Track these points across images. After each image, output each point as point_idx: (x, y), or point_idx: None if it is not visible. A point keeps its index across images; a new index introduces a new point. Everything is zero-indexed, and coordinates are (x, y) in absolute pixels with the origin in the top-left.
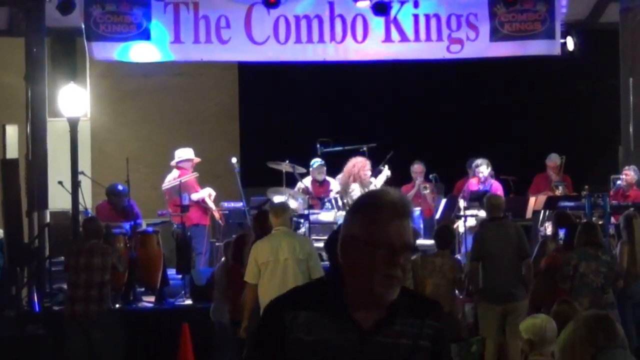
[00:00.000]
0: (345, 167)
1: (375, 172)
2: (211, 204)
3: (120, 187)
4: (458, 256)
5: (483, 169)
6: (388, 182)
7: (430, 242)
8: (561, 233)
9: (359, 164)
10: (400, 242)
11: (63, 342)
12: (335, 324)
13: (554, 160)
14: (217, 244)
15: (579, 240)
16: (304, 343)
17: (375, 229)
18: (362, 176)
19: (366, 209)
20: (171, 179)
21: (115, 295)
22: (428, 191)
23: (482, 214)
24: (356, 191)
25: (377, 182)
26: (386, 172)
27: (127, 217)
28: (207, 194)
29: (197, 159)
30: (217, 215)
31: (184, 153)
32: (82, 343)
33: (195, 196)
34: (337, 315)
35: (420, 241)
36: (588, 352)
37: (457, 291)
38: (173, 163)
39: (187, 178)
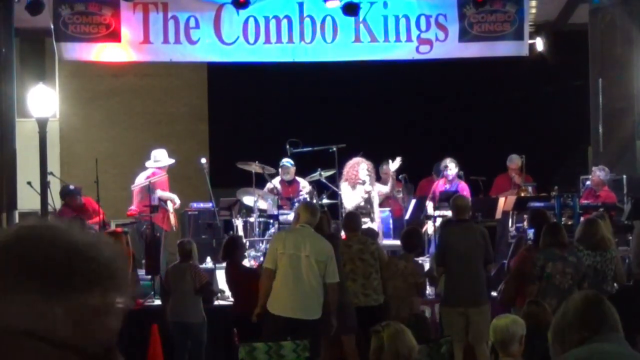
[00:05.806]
0: None
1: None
2: (170, 208)
3: (71, 187)
4: (427, 257)
5: (452, 166)
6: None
7: (398, 242)
8: (530, 233)
9: (351, 162)
10: None
11: None
12: None
13: (514, 161)
14: None
15: (544, 241)
16: None
17: None
18: (351, 175)
19: None
20: (142, 179)
21: None
22: (401, 195)
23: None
24: (344, 192)
25: None
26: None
27: (84, 215)
28: (171, 197)
29: (172, 161)
30: (173, 221)
31: (162, 157)
32: None
33: (162, 194)
34: None
35: (389, 242)
36: (580, 335)
37: (426, 290)
38: (151, 164)
39: (157, 179)
